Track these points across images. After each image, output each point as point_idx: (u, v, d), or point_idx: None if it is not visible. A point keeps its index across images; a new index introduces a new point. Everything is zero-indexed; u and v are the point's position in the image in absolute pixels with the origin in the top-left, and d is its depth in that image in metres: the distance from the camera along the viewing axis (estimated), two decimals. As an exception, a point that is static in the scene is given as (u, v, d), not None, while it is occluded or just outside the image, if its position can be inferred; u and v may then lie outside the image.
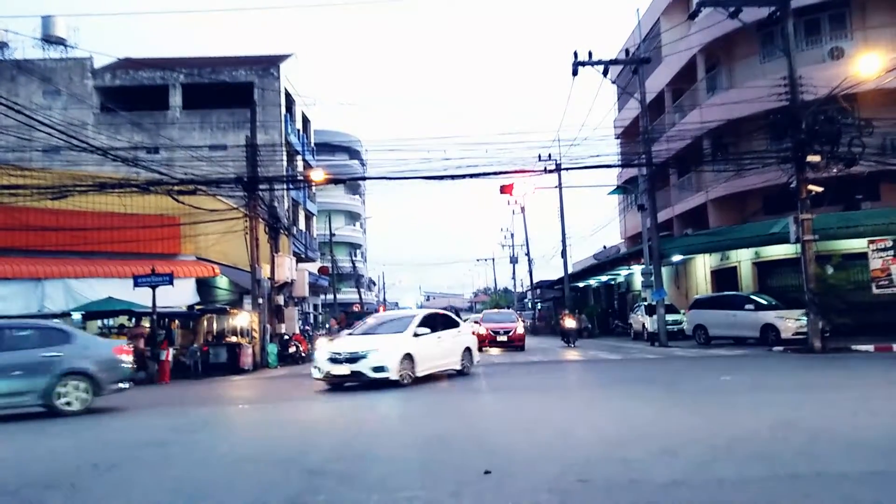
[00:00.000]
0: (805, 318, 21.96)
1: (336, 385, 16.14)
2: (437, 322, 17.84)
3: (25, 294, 22.60)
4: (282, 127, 43.00)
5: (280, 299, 30.81)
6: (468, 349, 18.46)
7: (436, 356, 17.02)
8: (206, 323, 29.17)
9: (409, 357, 15.92)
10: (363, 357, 15.50)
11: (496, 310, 45.04)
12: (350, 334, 18.23)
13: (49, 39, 44.87)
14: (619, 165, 37.08)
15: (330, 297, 57.49)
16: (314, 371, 16.30)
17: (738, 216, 31.71)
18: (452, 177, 23.42)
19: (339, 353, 15.89)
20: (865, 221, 24.93)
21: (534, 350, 29.72)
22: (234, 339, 27.11)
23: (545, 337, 49.69)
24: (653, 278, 28.52)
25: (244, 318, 28.19)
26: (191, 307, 25.81)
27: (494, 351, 29.97)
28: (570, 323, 32.80)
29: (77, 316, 24.08)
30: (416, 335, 16.57)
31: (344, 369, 15.63)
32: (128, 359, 14.37)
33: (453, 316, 20.61)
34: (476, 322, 33.03)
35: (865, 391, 12.14)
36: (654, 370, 18.40)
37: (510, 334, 31.03)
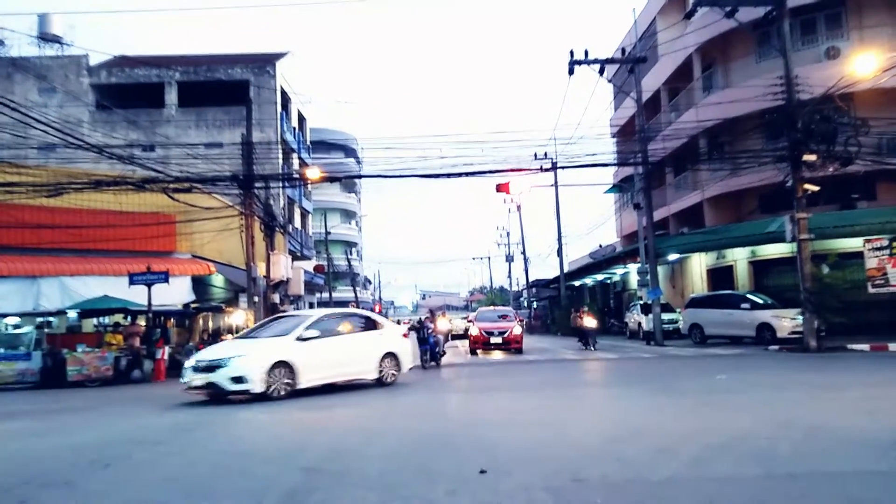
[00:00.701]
0: (801, 317, 22.00)
1: (215, 397, 14.09)
2: (344, 323, 16.04)
3: (21, 292, 22.54)
4: (277, 125, 42.97)
5: (275, 297, 30.80)
6: (391, 355, 16.30)
7: (334, 363, 14.98)
8: (201, 321, 29.16)
9: (284, 365, 13.94)
10: (222, 366, 13.61)
11: (491, 308, 38.71)
12: (235, 338, 16.88)
13: (45, 37, 44.84)
14: (615, 164, 37.16)
15: (325, 295, 57.45)
16: (182, 379, 14.48)
17: (734, 215, 31.76)
18: (448, 175, 23.43)
19: (200, 361, 14.09)
20: (861, 221, 24.95)
21: (532, 350, 29.48)
22: (229, 337, 27.09)
23: (542, 336, 49.59)
24: (648, 277, 28.55)
25: (240, 317, 28.16)
26: (186, 305, 25.77)
27: (495, 354, 27.29)
28: (589, 322, 28.49)
29: (72, 314, 24.04)
30: (301, 339, 14.46)
31: (200, 379, 13.78)
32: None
33: (373, 316, 18.63)
34: (469, 321, 31.45)
35: (861, 390, 12.16)
36: (649, 369, 18.41)
37: (505, 335, 27.23)
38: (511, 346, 27.36)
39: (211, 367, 13.66)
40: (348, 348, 15.46)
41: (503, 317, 29.77)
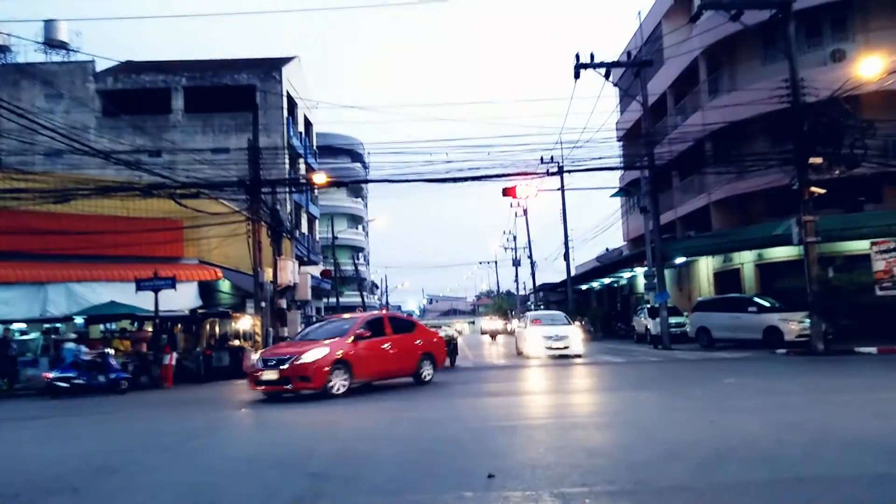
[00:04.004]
0: (808, 320, 21.95)
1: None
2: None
3: (28, 298, 22.61)
4: (284, 130, 43.03)
5: (283, 303, 30.75)
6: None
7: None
8: (208, 327, 29.14)
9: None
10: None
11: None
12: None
13: (51, 43, 45.00)
14: (621, 168, 37.04)
15: (333, 300, 57.48)
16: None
17: (740, 218, 31.71)
18: (455, 179, 23.42)
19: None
20: (868, 223, 24.90)
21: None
22: (236, 342, 27.11)
23: None
24: (655, 281, 28.50)
25: (247, 322, 28.16)
26: (193, 311, 25.78)
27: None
28: None
29: (79, 320, 24.09)
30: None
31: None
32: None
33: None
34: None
35: (870, 393, 12.12)
36: (656, 373, 18.37)
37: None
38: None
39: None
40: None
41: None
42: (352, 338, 15.50)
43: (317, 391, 14.74)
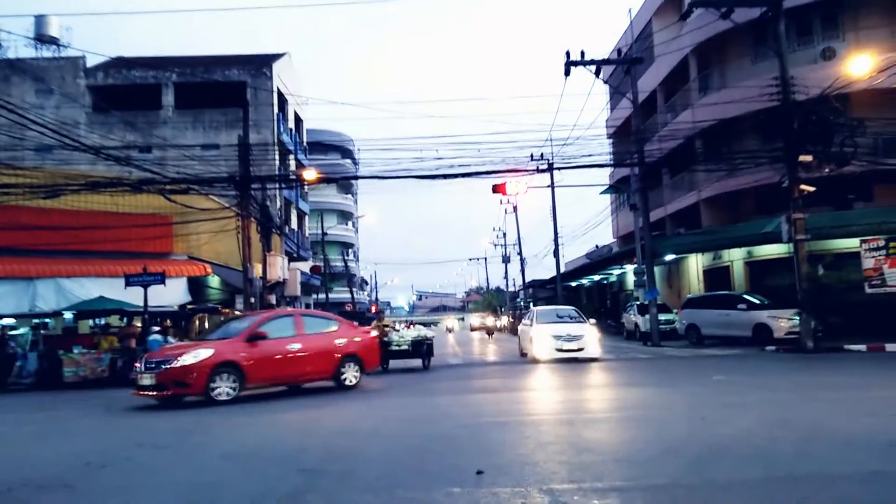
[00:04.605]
0: (798, 317, 22.03)
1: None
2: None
3: (17, 293, 22.52)
4: (274, 126, 42.92)
5: (272, 298, 30.77)
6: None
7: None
8: (197, 322, 29.10)
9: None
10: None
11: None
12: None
13: (42, 39, 44.75)
14: (611, 165, 37.10)
15: (322, 296, 57.37)
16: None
17: (730, 216, 31.80)
18: (445, 176, 23.42)
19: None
20: (858, 221, 24.98)
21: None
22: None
23: None
24: (645, 278, 28.56)
25: (236, 318, 28.13)
26: (182, 306, 25.73)
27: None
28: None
29: (69, 315, 24.01)
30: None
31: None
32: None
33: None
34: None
35: (859, 391, 12.18)
36: (646, 370, 18.40)
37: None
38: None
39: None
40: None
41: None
42: (246, 338, 14.33)
43: (198, 397, 13.73)
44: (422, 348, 21.55)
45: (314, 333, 15.61)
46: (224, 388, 13.71)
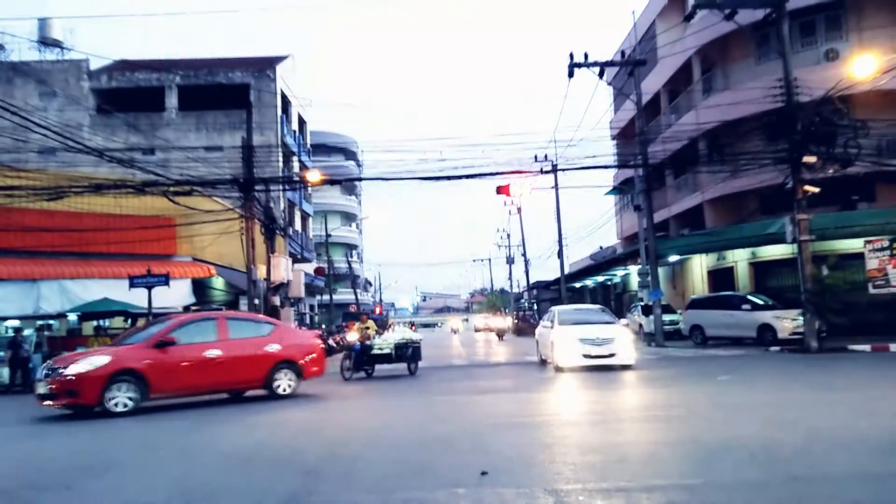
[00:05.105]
0: (802, 318, 21.99)
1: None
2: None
3: (21, 295, 22.57)
4: (278, 128, 42.94)
5: (276, 300, 30.77)
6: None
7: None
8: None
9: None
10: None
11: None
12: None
13: (45, 41, 44.79)
14: (615, 166, 37.11)
15: (326, 297, 57.41)
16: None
17: (734, 216, 31.73)
18: (448, 177, 23.40)
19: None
20: (862, 221, 24.95)
21: (532, 352, 29.20)
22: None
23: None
24: (649, 278, 28.51)
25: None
26: (187, 308, 25.76)
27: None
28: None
29: (73, 317, 24.05)
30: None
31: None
32: None
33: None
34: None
35: (863, 391, 12.16)
36: (650, 370, 18.35)
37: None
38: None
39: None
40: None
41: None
42: (153, 344, 13.36)
43: (91, 407, 12.76)
44: (406, 352, 19.85)
45: (241, 338, 14.49)
46: (121, 398, 12.69)
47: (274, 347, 14.75)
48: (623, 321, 21.93)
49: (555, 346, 18.54)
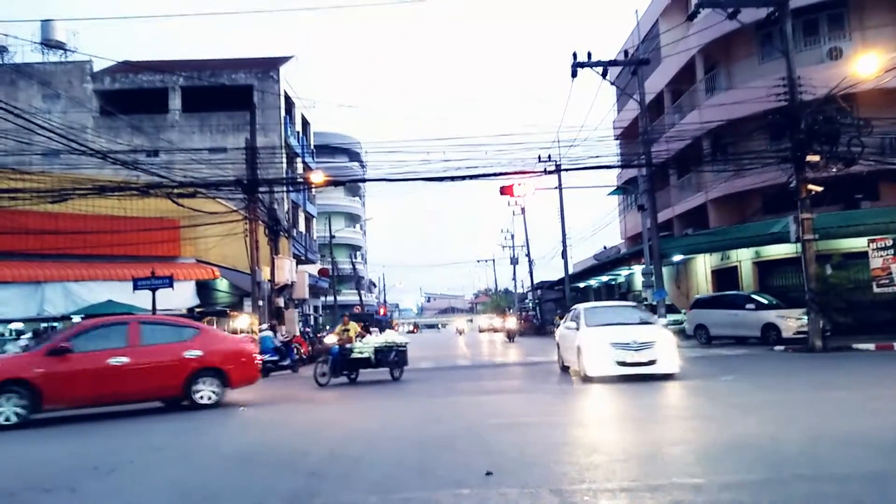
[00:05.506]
0: (806, 317, 21.95)
1: None
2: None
3: (25, 297, 22.63)
4: (281, 129, 42.95)
5: (280, 301, 30.81)
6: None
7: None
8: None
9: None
10: None
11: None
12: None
13: (48, 43, 44.87)
14: (618, 166, 37.03)
15: (330, 298, 57.49)
16: None
17: (738, 216, 31.71)
18: (452, 178, 23.37)
19: None
20: (865, 220, 24.93)
21: (536, 352, 29.31)
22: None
23: (539, 338, 48.02)
24: (653, 278, 28.49)
25: (244, 321, 28.18)
26: (191, 310, 25.81)
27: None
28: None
29: (77, 319, 24.08)
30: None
31: None
32: None
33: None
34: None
35: (868, 390, 12.13)
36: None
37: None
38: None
39: None
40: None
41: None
42: (47, 352, 12.39)
43: None
44: (388, 357, 18.27)
45: (154, 344, 13.31)
46: (8, 410, 11.79)
47: (194, 353, 13.50)
48: (662, 321, 19.72)
49: (582, 352, 15.50)
